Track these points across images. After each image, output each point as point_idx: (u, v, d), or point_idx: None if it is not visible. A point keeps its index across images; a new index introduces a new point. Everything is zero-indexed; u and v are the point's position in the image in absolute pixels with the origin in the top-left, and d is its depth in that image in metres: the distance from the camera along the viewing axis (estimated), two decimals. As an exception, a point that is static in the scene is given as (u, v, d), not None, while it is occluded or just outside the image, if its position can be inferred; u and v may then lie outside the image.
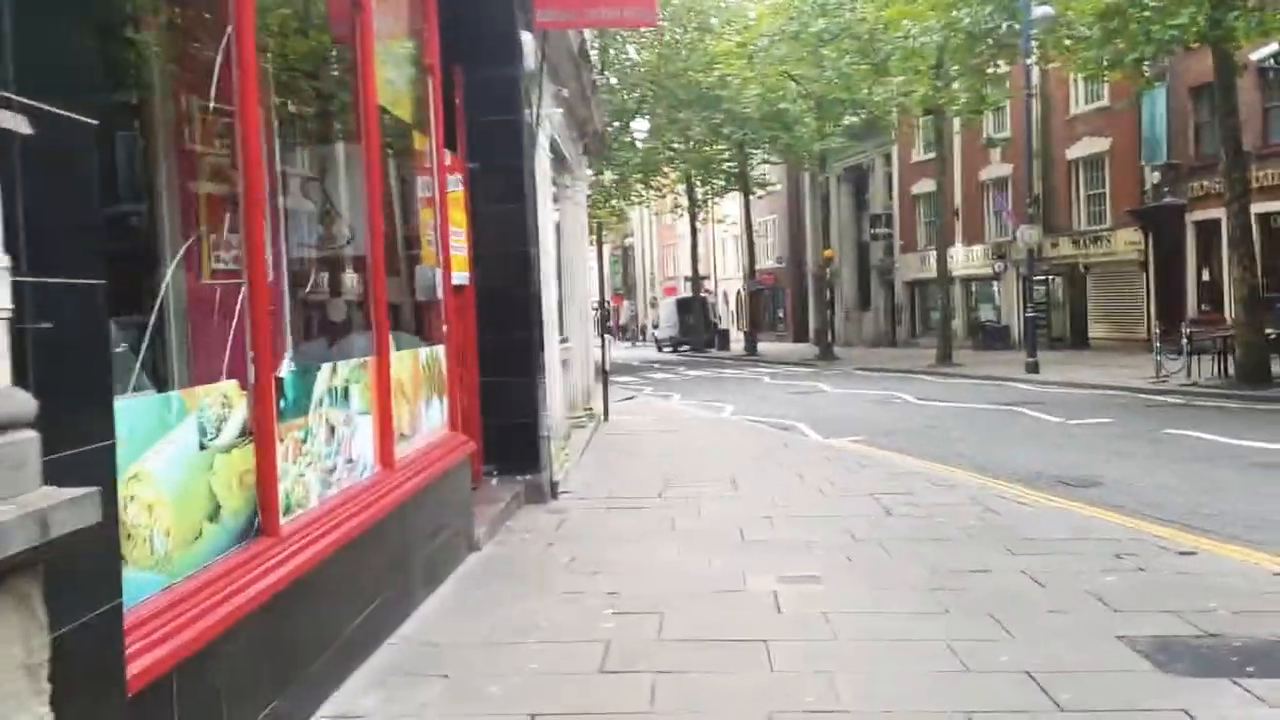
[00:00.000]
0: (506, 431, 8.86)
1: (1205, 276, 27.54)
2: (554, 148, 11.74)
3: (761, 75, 31.79)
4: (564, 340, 12.67)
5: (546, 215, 10.26)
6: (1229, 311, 26.29)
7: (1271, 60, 23.77)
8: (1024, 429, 14.52)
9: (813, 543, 7.07)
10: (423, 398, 6.43)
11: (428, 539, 6.10)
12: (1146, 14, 15.51)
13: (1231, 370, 19.11)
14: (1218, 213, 26.65)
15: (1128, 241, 29.73)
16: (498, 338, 8.91)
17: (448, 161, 7.98)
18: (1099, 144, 30.85)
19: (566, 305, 13.53)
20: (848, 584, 6.03)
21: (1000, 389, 21.54)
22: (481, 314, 8.85)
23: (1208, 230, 27.27)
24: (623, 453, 12.43)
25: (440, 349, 6.99)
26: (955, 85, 21.00)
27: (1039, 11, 21.31)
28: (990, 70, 20.73)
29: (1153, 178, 28.71)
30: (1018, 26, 21.52)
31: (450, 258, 7.47)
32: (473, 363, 8.73)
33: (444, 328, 7.12)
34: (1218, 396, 17.29)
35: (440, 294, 7.16)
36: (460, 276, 8.22)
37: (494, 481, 8.72)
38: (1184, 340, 19.43)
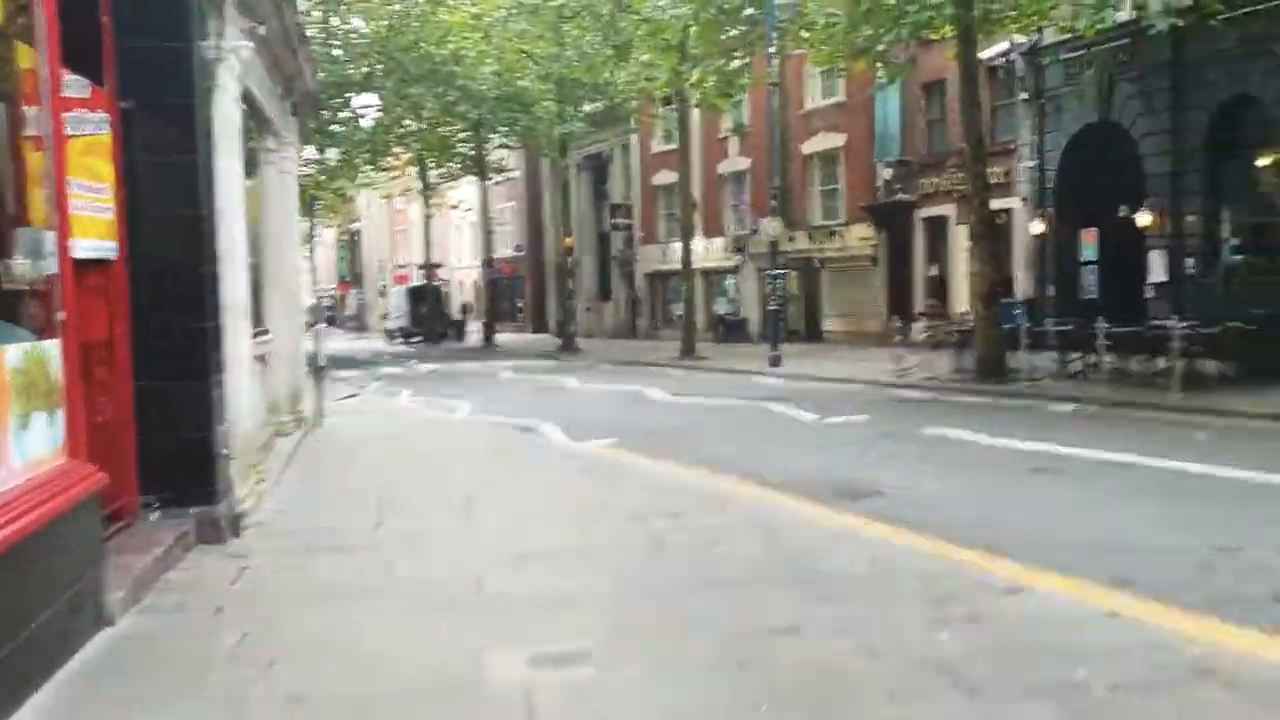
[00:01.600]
0: (172, 451, 6.78)
1: (933, 272, 28.19)
2: (248, 98, 9.61)
3: (499, 51, 30.04)
4: (262, 332, 10.53)
5: (233, 175, 8.19)
6: (954, 306, 27.11)
7: (1002, 59, 24.33)
8: (781, 428, 13.62)
9: (573, 595, 5.51)
10: (9, 416, 4.39)
11: (13, 626, 4.10)
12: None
13: (969, 364, 19.18)
14: (946, 209, 27.40)
15: (861, 237, 30.13)
16: (160, 329, 6.80)
17: (76, 91, 5.87)
18: (834, 140, 31.13)
19: (269, 290, 11.37)
20: (625, 664, 4.49)
21: (748, 383, 20.87)
22: (138, 298, 6.71)
23: (936, 226, 27.93)
24: (336, 466, 10.48)
25: (50, 345, 4.92)
26: (699, 69, 20.13)
27: (789, -1, 20.75)
28: (736, 57, 19.94)
29: (885, 174, 29.15)
30: (761, 15, 20.83)
31: (72, 220, 5.38)
32: (123, 362, 6.61)
33: (58, 316, 5.04)
34: (961, 391, 17.15)
35: (55, 268, 5.07)
36: (97, 247, 6.12)
37: (153, 518, 6.65)
38: (924, 334, 19.32)
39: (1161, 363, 15.52)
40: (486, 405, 18.03)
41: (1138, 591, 5.42)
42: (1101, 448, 10.57)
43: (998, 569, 6.03)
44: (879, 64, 19.67)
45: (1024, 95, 24.30)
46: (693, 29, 17.24)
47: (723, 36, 18.55)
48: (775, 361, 23.48)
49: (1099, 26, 20.69)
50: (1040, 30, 22.64)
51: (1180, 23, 14.56)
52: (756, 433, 13.15)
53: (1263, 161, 19.44)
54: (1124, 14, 21.43)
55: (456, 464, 10.49)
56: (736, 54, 19.29)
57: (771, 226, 23.98)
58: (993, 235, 18.15)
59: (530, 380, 23.86)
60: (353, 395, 19.36)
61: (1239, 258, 20.06)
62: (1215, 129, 20.21)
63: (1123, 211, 23.22)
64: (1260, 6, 17.23)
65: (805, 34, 22.79)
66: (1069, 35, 21.84)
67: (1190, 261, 20.73)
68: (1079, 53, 22.50)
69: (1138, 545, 6.78)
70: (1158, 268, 21.26)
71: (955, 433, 12.19)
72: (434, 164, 44.58)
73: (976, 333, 17.96)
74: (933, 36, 19.12)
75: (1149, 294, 21.46)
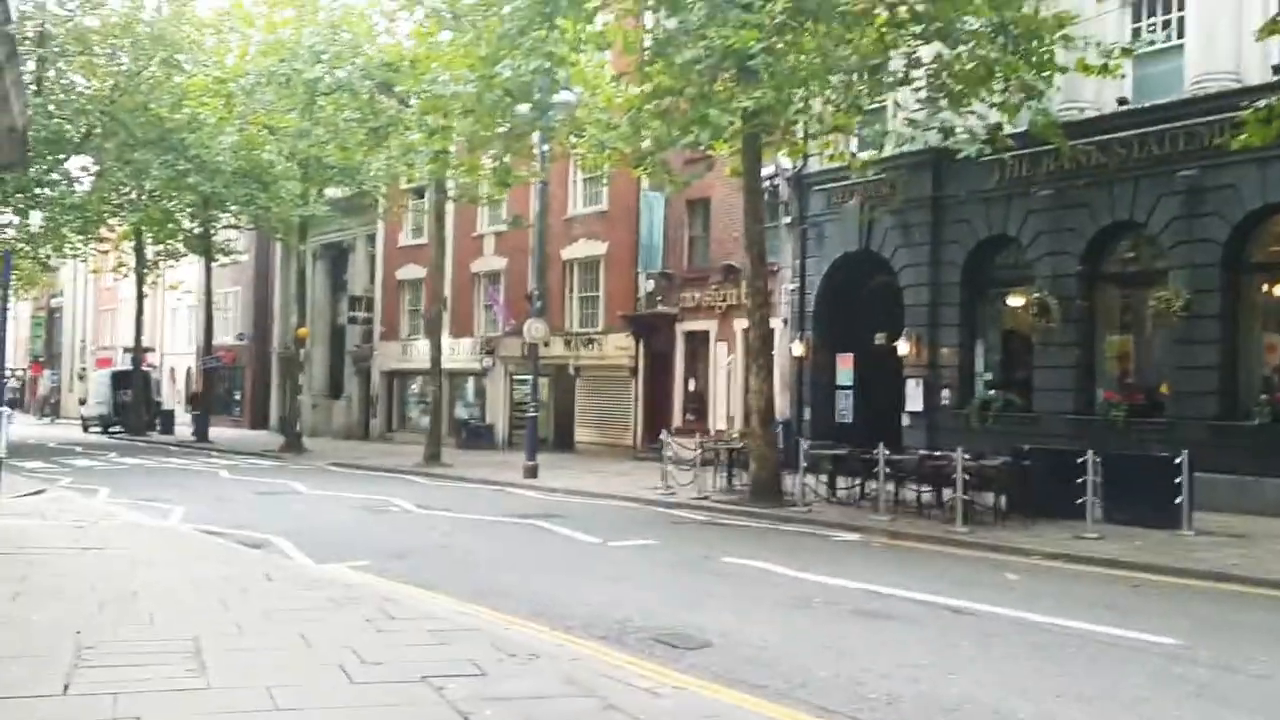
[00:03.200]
0: None
1: (692, 386, 27.68)
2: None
3: (241, 121, 27.48)
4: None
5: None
6: (713, 423, 26.64)
7: (767, 182, 24.38)
8: (562, 553, 12.05)
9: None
10: None
11: None
12: (706, 94, 14.26)
13: (740, 484, 18.42)
14: (708, 324, 27.09)
15: (619, 346, 29.36)
16: None
17: None
18: (596, 247, 30.46)
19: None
20: None
21: (507, 496, 19.19)
22: None
23: (697, 341, 27.54)
24: (5, 589, 8.02)
25: None
26: (472, 156, 18.78)
27: (562, 96, 19.79)
28: (511, 148, 18.74)
29: (647, 285, 28.64)
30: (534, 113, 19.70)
31: None
32: None
33: None
34: (737, 514, 16.20)
35: None
36: None
37: None
38: (697, 449, 18.40)
39: (944, 494, 15.19)
40: (205, 512, 15.48)
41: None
42: (917, 588, 9.70)
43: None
44: (666, 174, 18.98)
45: (788, 219, 24.44)
46: (472, 112, 15.92)
47: (499, 128, 17.33)
48: (531, 473, 21.94)
49: (867, 160, 21.20)
50: (805, 157, 22.90)
51: (988, 150, 14.61)
52: (536, 557, 11.52)
53: (1015, 301, 20.10)
54: (889, 149, 22.06)
55: (176, 589, 8.26)
56: (507, 147, 18.05)
57: (536, 328, 22.67)
58: (769, 352, 17.58)
59: (254, 483, 21.14)
60: (38, 492, 16.22)
61: (992, 392, 20.49)
62: (973, 265, 20.78)
63: (879, 339, 23.58)
64: (1024, 151, 17.80)
65: (574, 139, 22.04)
66: (835, 165, 22.20)
67: (946, 393, 21.03)
68: (843, 183, 22.89)
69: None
70: (915, 397, 21.46)
71: (756, 564, 11.05)
72: (153, 239, 40.56)
73: (753, 453, 17.18)
74: (715, 151, 18.67)
75: (906, 422, 21.60)
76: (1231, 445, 16.26)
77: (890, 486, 15.88)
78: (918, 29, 13.40)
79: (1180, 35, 17.94)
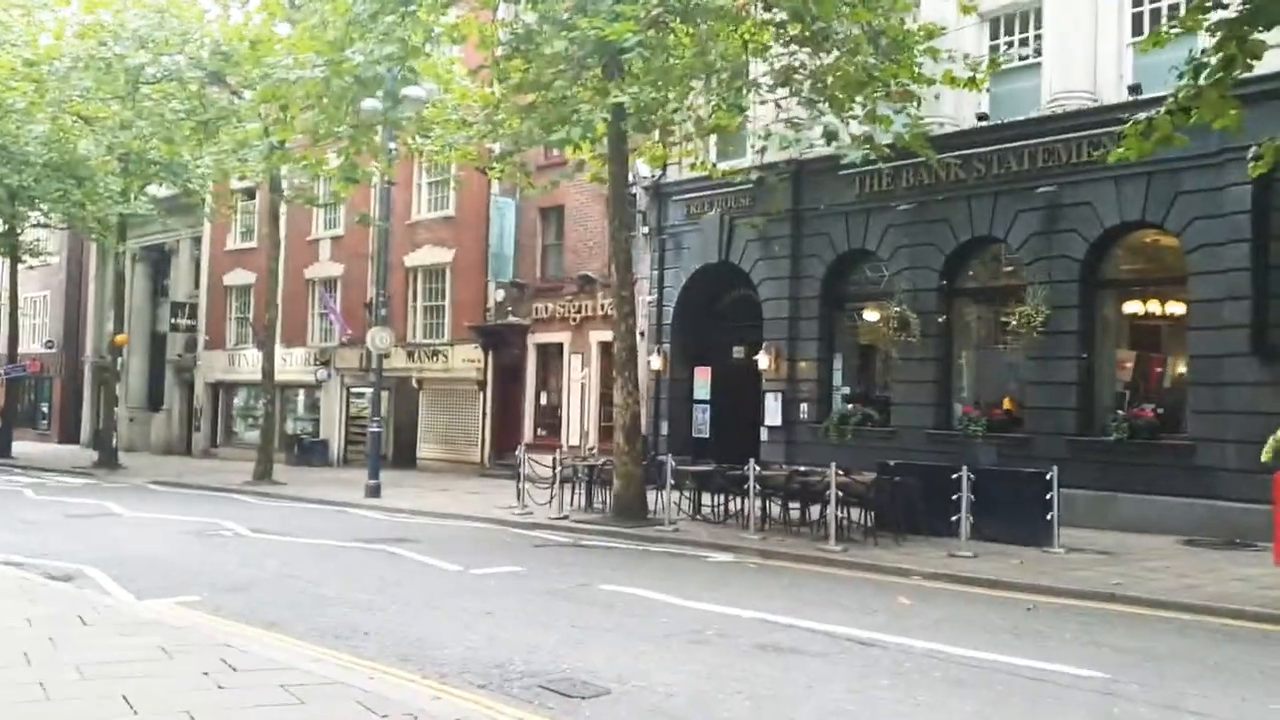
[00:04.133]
0: None
1: (544, 400, 26.73)
2: None
3: (54, 109, 25.02)
4: None
5: None
6: (567, 438, 25.73)
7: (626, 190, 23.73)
8: (420, 583, 10.93)
9: None
10: None
11: None
12: (571, 91, 13.40)
13: (599, 502, 17.64)
14: (561, 336, 26.19)
15: (467, 358, 28.12)
16: None
17: None
18: (441, 255, 29.16)
19: None
20: None
21: (349, 517, 17.82)
22: None
23: (549, 353, 26.62)
24: None
25: None
26: (318, 146, 17.37)
27: (413, 91, 18.60)
28: (357, 142, 17.42)
29: (497, 295, 27.54)
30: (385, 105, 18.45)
31: None
32: None
33: None
34: (600, 534, 15.35)
35: None
36: None
37: None
38: (559, 467, 17.50)
39: (811, 511, 14.74)
40: (4, 538, 13.69)
41: None
42: (813, 616, 9.07)
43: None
44: (524, 176, 18.08)
45: (645, 229, 23.84)
46: (316, 104, 14.61)
47: (351, 114, 16.04)
48: (374, 491, 20.58)
49: (729, 170, 20.79)
50: (665, 166, 22.37)
51: (872, 155, 14.18)
52: (392, 589, 10.40)
53: (874, 315, 19.98)
54: (746, 160, 21.72)
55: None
56: (354, 141, 16.75)
57: (380, 338, 21.30)
58: (635, 365, 16.83)
59: (64, 504, 19.09)
60: None
61: (850, 407, 20.31)
62: (832, 279, 20.59)
63: (737, 353, 23.20)
64: (884, 165, 17.62)
65: (420, 139, 20.86)
66: (694, 175, 21.72)
67: (804, 407, 20.76)
68: (703, 193, 22.45)
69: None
70: (773, 411, 21.12)
71: (636, 591, 10.24)
72: (-50, 235, 36.96)
73: (617, 470, 16.38)
74: (576, 154, 17.85)
75: (764, 436, 21.23)
76: (1089, 460, 16.39)
77: (757, 503, 15.32)
78: (793, 31, 12.91)
79: (1038, 54, 18.15)
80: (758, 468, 15.16)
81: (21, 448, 36.54)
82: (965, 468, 13.65)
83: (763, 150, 14.36)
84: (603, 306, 25.14)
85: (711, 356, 23.46)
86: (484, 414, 27.80)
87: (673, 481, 15.76)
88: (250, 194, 34.42)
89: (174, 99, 22.96)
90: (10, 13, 28.56)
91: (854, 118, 13.67)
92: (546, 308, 26.36)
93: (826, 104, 13.45)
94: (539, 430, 26.47)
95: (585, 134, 13.05)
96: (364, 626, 8.38)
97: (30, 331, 45.69)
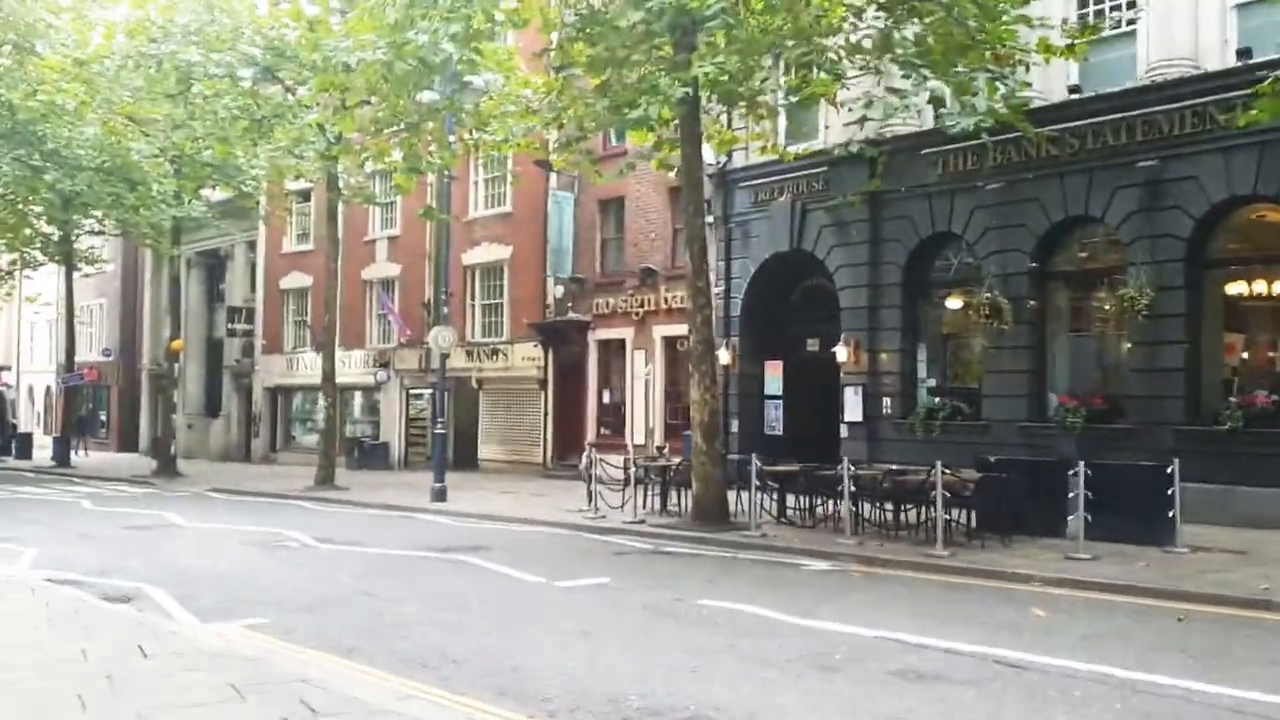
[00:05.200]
0: None
1: (607, 398, 25.91)
2: None
3: (106, 110, 24.56)
4: None
5: None
6: (631, 436, 24.89)
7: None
8: (504, 598, 10.08)
9: None
10: None
11: None
12: (651, 65, 12.53)
13: (674, 504, 16.78)
14: (624, 332, 25.36)
15: (527, 357, 27.38)
16: None
17: None
18: (499, 252, 28.44)
19: None
20: None
21: (417, 524, 17.11)
22: None
23: (611, 349, 25.80)
24: None
25: None
26: (380, 137, 16.65)
27: (474, 80, 17.82)
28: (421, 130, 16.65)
29: (556, 292, 26.75)
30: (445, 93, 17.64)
31: None
32: None
33: None
34: (683, 539, 14.44)
35: None
36: None
37: None
38: (634, 467, 16.66)
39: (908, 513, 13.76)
40: (61, 553, 13.11)
41: None
42: (946, 634, 8.11)
43: None
44: (591, 163, 17.29)
45: (710, 218, 22.86)
46: (383, 86, 13.84)
47: (407, 106, 15.28)
48: (439, 495, 19.86)
49: (799, 153, 19.82)
50: (730, 152, 21.45)
51: (986, 122, 13.13)
52: (475, 606, 9.57)
53: (960, 302, 18.90)
54: (819, 142, 20.74)
55: (13, 687, 6.07)
56: (419, 128, 16.00)
57: (442, 336, 20.56)
58: (713, 359, 15.92)
59: (122, 515, 18.56)
60: None
61: (937, 400, 19.26)
62: (914, 265, 19.54)
63: (811, 345, 22.21)
64: (987, 139, 16.43)
65: (482, 131, 20.10)
66: (761, 160, 20.79)
67: (887, 401, 19.72)
68: (772, 178, 21.49)
69: None
70: (853, 406, 20.09)
71: (742, 607, 9.29)
72: (6, 246, 36.88)
73: (695, 470, 15.47)
74: (639, 141, 16.98)
75: (844, 433, 20.22)
76: (1201, 452, 15.16)
77: (851, 505, 14.32)
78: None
79: (1130, 22, 17.00)
80: (852, 467, 14.14)
81: (82, 458, 36.39)
82: (1082, 463, 12.56)
83: (861, 120, 13.34)
84: (666, 300, 24.28)
85: (783, 349, 22.48)
86: (545, 413, 27.03)
87: (758, 483, 14.80)
88: (305, 196, 33.96)
89: (226, 96, 22.37)
90: (61, 17, 28.26)
91: (958, 84, 12.60)
92: (608, 303, 25.54)
93: (928, 70, 12.40)
94: (602, 429, 25.67)
95: (664, 109, 12.08)
96: (451, 652, 7.56)
97: (87, 340, 45.77)
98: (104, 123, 25.25)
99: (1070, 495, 12.49)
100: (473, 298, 29.39)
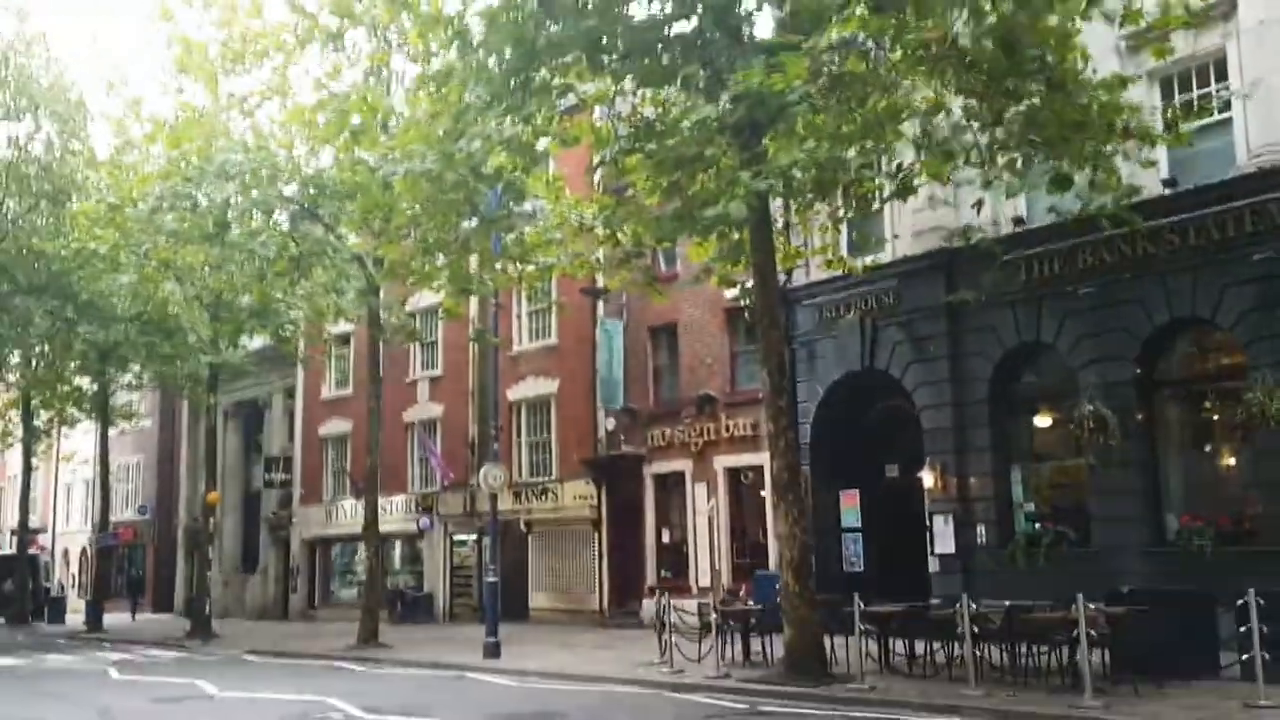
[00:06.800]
0: None
1: (666, 538, 24.20)
2: None
3: (139, 256, 23.79)
4: None
5: None
6: (695, 579, 23.11)
7: (745, 301, 21.63)
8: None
9: None
10: None
11: None
12: (727, 158, 11.37)
13: (755, 653, 14.99)
14: (682, 464, 23.82)
15: (578, 495, 25.80)
16: None
17: None
18: (545, 385, 27.22)
19: None
20: None
21: (474, 685, 15.34)
22: None
23: (669, 484, 24.22)
24: None
25: None
26: (426, 260, 15.61)
27: (529, 205, 16.96)
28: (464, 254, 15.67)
29: (608, 424, 25.36)
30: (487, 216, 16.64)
31: None
32: None
33: None
34: (780, 697, 12.63)
35: None
36: None
37: None
38: (711, 615, 14.93)
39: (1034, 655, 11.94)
40: (76, 737, 11.48)
41: None
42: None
43: None
44: (651, 281, 16.19)
45: (773, 339, 21.60)
46: (430, 203, 12.83)
47: (456, 223, 14.29)
48: (493, 651, 18.11)
49: (867, 265, 18.65)
50: (790, 271, 20.27)
51: (1105, 211, 11.89)
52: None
53: (1051, 418, 17.32)
54: (886, 254, 19.60)
55: None
56: (467, 246, 15.00)
57: (493, 474, 19.16)
58: (799, 487, 14.34)
59: (150, 685, 16.88)
60: None
61: (1038, 526, 17.49)
62: (1001, 379, 18.05)
63: (890, 471, 20.58)
64: (1054, 245, 15.15)
65: (522, 265, 19.18)
66: (824, 276, 19.64)
67: (981, 530, 17.96)
68: (837, 294, 20.25)
69: None
70: (944, 536, 18.33)
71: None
72: (42, 404, 36.12)
73: (786, 615, 13.73)
74: (703, 254, 15.81)
75: (934, 567, 18.41)
76: (1359, 574, 13.31)
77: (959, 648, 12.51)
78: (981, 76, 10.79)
79: (1221, 110, 15.88)
80: (973, 605, 12.40)
81: (114, 619, 34.81)
82: (1252, 591, 10.79)
83: (978, 205, 12.11)
84: (728, 428, 22.83)
85: (858, 478, 20.80)
86: (600, 556, 25.29)
87: (864, 627, 13.04)
88: (345, 339, 33.10)
89: (262, 234, 21.53)
90: (98, 170, 27.96)
91: (1091, 159, 11.36)
92: (664, 434, 24.08)
93: (1043, 148, 11.18)
94: (662, 571, 23.93)
95: (747, 202, 10.86)
96: None
97: (123, 498, 44.68)
98: (139, 269, 24.52)
99: (1241, 629, 10.70)
100: (519, 435, 28.03)
